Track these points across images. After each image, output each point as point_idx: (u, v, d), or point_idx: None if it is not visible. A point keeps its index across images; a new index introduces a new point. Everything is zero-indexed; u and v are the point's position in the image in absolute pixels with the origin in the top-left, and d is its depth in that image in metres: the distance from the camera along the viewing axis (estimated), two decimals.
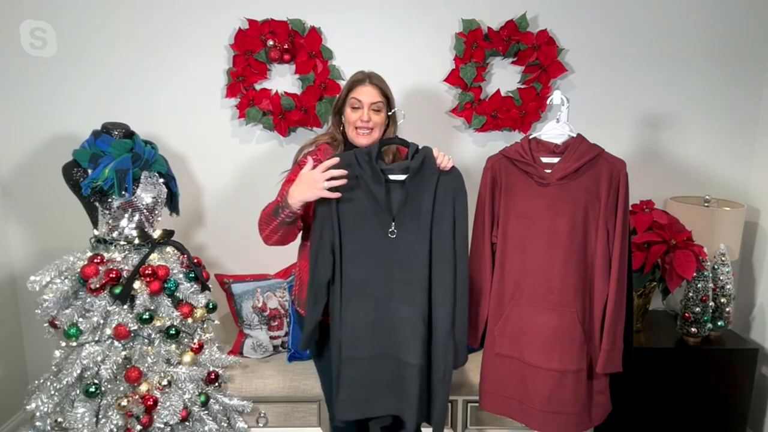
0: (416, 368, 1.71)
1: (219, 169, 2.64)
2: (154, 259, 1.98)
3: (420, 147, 1.74)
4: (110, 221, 1.99)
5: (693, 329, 2.33)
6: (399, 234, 1.71)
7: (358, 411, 1.76)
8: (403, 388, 1.74)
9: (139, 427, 1.86)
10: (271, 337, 2.46)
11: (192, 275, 2.04)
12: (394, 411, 1.77)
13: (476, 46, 2.50)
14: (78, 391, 1.86)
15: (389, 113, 1.87)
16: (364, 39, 2.54)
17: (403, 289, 1.72)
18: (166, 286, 1.95)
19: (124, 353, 1.89)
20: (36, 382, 1.94)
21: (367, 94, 1.83)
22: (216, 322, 2.22)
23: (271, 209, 1.75)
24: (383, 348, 1.73)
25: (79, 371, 1.82)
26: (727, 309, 2.41)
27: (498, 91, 2.55)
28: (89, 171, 1.92)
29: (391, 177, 1.71)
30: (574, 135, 1.82)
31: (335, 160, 1.69)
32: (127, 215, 1.99)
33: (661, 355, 2.31)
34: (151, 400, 1.88)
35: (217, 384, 2.12)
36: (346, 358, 1.72)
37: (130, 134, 2.05)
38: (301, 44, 2.49)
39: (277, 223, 1.73)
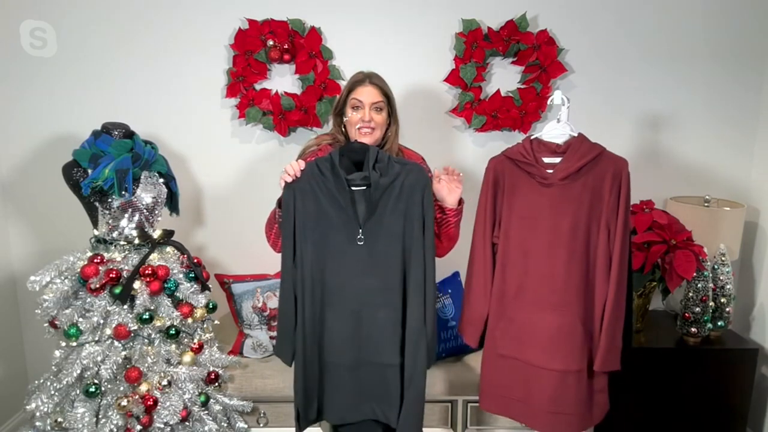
0: (396, 368, 1.72)
1: (219, 169, 2.64)
2: (154, 259, 1.98)
3: (379, 152, 1.72)
4: (110, 221, 1.99)
5: (693, 329, 2.33)
6: (368, 241, 1.70)
7: (337, 417, 1.78)
8: (386, 390, 1.74)
9: (139, 427, 1.86)
10: (271, 337, 2.46)
11: (192, 275, 2.04)
12: (373, 415, 1.77)
13: (476, 46, 2.50)
14: (78, 391, 1.86)
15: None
16: (364, 39, 2.54)
17: (378, 295, 1.71)
18: (166, 286, 1.95)
19: (124, 353, 1.89)
20: (36, 382, 1.95)
21: (367, 94, 1.84)
22: (216, 322, 2.22)
23: (271, 214, 1.75)
24: (363, 355, 1.73)
25: (79, 371, 1.82)
26: (727, 309, 2.41)
27: (498, 91, 2.55)
28: (89, 171, 1.92)
29: (354, 185, 1.70)
30: (575, 135, 1.82)
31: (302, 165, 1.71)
32: (127, 215, 1.99)
33: (661, 355, 2.31)
34: (151, 400, 1.88)
35: (217, 384, 2.12)
36: (327, 363, 1.74)
37: (130, 134, 2.05)
38: (301, 44, 2.49)
39: (277, 226, 1.73)
